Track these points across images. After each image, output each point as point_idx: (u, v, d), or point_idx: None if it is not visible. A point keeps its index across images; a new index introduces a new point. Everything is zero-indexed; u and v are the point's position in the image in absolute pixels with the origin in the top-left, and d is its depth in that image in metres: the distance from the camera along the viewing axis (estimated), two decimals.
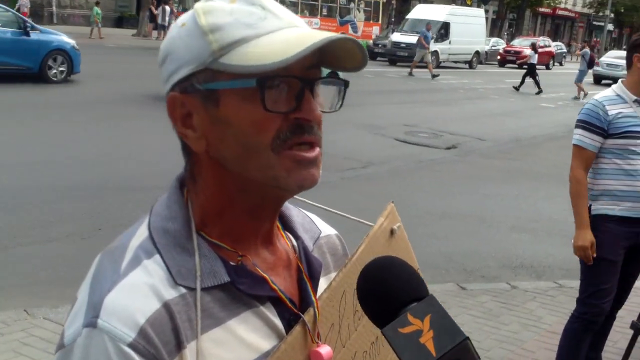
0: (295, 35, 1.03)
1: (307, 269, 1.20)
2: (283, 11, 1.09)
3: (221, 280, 1.07)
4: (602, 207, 4.18)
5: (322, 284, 1.23)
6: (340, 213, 1.37)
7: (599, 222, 4.15)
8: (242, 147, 1.05)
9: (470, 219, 8.60)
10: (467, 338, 0.96)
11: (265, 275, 1.12)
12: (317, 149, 1.08)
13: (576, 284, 6.67)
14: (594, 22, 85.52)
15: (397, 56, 33.75)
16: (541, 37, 51.77)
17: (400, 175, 10.99)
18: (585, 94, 25.45)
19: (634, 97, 4.13)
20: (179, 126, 1.09)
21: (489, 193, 10.34)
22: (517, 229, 8.59)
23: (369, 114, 16.19)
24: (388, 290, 1.02)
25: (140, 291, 1.02)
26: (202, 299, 1.04)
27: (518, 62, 26.41)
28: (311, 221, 1.31)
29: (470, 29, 36.82)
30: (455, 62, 37.54)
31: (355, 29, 36.17)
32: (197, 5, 1.09)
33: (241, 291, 1.08)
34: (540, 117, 20.03)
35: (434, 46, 32.85)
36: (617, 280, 4.25)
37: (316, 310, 1.15)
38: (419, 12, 37.93)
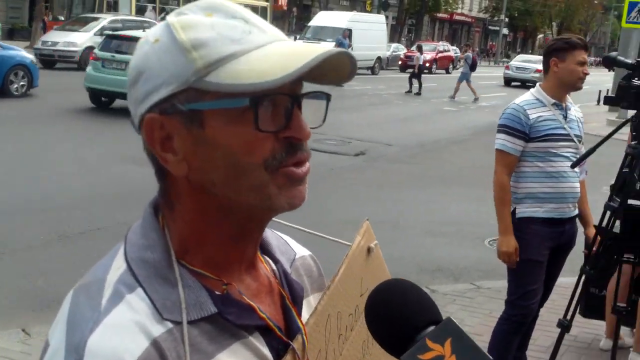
0: (289, 50, 0.99)
1: (290, 294, 1.16)
2: (266, 24, 1.03)
3: (208, 311, 1.01)
4: (527, 210, 4.23)
5: (303, 308, 1.19)
6: (316, 233, 1.33)
7: (524, 225, 4.19)
8: (233, 170, 0.99)
9: (384, 225, 8.59)
10: None
11: (252, 303, 1.07)
12: (308, 165, 1.04)
13: (493, 284, 6.89)
14: (490, 27, 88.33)
15: None
16: (441, 42, 52.99)
17: (311, 183, 10.30)
18: (475, 94, 26.16)
19: (553, 101, 4.20)
20: (158, 150, 1.02)
21: (400, 198, 10.40)
22: (431, 233, 8.65)
23: None
24: (401, 315, 0.99)
25: (127, 329, 0.94)
26: (189, 333, 0.98)
27: (415, 67, 26.96)
28: (285, 243, 1.27)
29: (372, 35, 37.21)
30: (358, 68, 37.60)
31: None
32: (171, 19, 1.01)
33: (229, 322, 1.03)
34: (444, 120, 20.39)
35: None
36: (543, 280, 4.30)
37: (304, 337, 1.12)
38: (320, 19, 38.06)
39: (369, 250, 1.32)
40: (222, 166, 0.99)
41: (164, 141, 1.01)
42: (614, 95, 3.93)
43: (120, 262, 1.02)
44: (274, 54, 0.98)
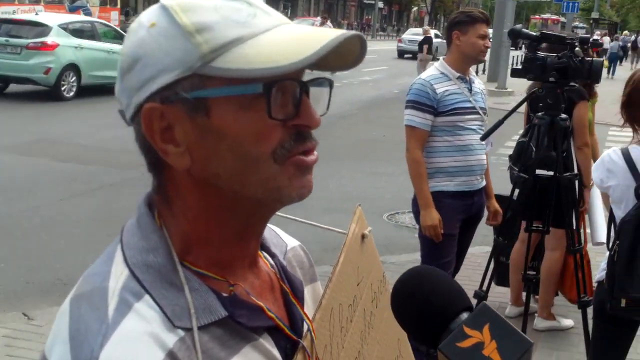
0: (299, 34, 0.94)
1: (290, 289, 1.13)
2: (268, 7, 0.99)
3: (218, 315, 0.97)
4: (438, 184, 4.27)
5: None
6: (310, 222, 1.30)
7: (435, 199, 4.23)
8: (241, 161, 0.95)
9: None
10: (533, 344, 0.93)
11: (260, 303, 1.03)
12: (316, 153, 1.00)
13: (397, 258, 6.95)
14: (365, 1, 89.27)
15: None
16: (318, 18, 53.12)
17: None
18: None
19: (457, 74, 4.24)
20: (158, 141, 0.96)
21: None
22: (330, 210, 8.60)
23: None
24: (432, 304, 0.98)
25: (140, 341, 0.89)
26: (200, 339, 0.94)
27: None
28: (277, 235, 1.23)
29: None
30: None
31: (89, 16, 34.29)
32: (167, 2, 0.96)
33: (240, 324, 0.99)
34: None
35: None
36: (455, 252, 4.36)
37: (312, 334, 1.09)
38: None
39: (363, 237, 1.30)
40: (228, 157, 0.94)
41: (164, 132, 0.95)
42: (520, 68, 3.96)
43: (121, 268, 0.96)
44: (285, 38, 0.93)
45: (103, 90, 15.70)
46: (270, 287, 1.10)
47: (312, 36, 0.92)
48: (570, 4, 31.54)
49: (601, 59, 4.31)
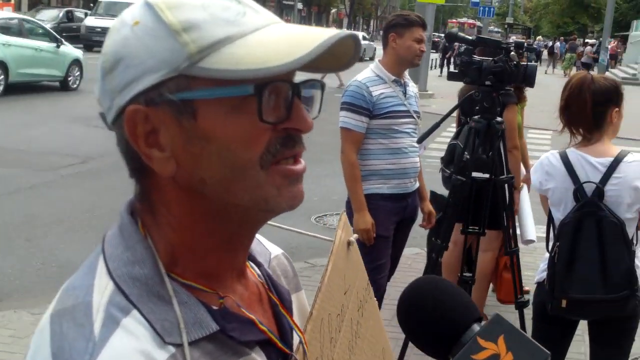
0: (291, 33, 0.90)
1: (280, 300, 1.09)
2: (257, 5, 0.95)
3: (209, 329, 0.92)
4: (372, 187, 4.26)
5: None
6: (294, 229, 1.28)
7: (370, 201, 4.22)
8: (228, 167, 0.90)
9: None
10: (550, 355, 0.92)
11: (252, 316, 0.99)
12: (304, 162, 0.96)
13: (326, 261, 6.88)
14: (284, 1, 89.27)
15: (94, 41, 32.44)
16: None
17: (125, 167, 10.48)
18: None
19: (393, 77, 4.25)
20: (141, 146, 0.91)
21: None
22: None
23: (79, 105, 15.27)
24: (442, 315, 0.96)
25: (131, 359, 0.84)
26: (191, 356, 0.89)
27: None
28: (259, 242, 1.18)
29: None
30: None
31: None
32: None
33: (232, 339, 0.95)
34: None
35: None
36: (390, 254, 4.36)
37: (304, 346, 1.06)
38: None
39: (349, 244, 1.27)
40: (215, 163, 0.90)
41: (148, 135, 0.90)
42: (456, 71, 3.99)
43: (105, 281, 0.91)
44: (276, 38, 0.89)
45: (30, 88, 15.24)
46: (259, 298, 1.06)
47: (305, 36, 0.88)
48: (487, 8, 32.34)
49: (535, 63, 4.38)
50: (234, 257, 1.01)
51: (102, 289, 0.90)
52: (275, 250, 1.21)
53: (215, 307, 0.95)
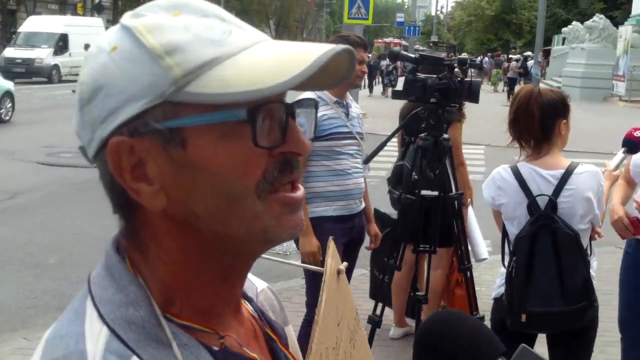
0: (282, 51, 0.85)
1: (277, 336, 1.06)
2: (242, 22, 0.90)
3: None
4: (317, 209, 4.22)
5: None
6: (287, 262, 1.26)
7: (315, 224, 4.17)
8: (223, 198, 0.85)
9: None
10: None
11: (254, 355, 0.95)
12: (302, 188, 0.92)
13: (273, 286, 6.79)
14: None
15: (14, 72, 31.63)
16: None
17: (56, 200, 10.25)
18: None
19: (335, 99, 4.23)
20: (128, 180, 0.85)
21: None
22: None
23: (13, 138, 15.10)
24: (465, 352, 0.94)
25: None
26: None
27: None
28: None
29: (91, 40, 35.74)
30: (77, 75, 36.30)
31: None
32: (129, 22, 0.85)
33: None
34: None
35: (53, 59, 32.17)
36: None
37: None
38: (32, 24, 35.63)
39: (338, 272, 1.23)
40: (208, 194, 0.85)
41: (134, 169, 0.85)
42: (401, 90, 3.97)
43: (98, 326, 0.84)
44: (266, 57, 0.84)
45: None
46: (254, 334, 1.02)
47: (296, 54, 0.83)
48: (412, 28, 32.97)
49: (479, 79, 4.41)
50: (230, 291, 0.96)
51: (96, 335, 0.84)
52: (260, 284, 1.16)
53: (216, 348, 0.91)
